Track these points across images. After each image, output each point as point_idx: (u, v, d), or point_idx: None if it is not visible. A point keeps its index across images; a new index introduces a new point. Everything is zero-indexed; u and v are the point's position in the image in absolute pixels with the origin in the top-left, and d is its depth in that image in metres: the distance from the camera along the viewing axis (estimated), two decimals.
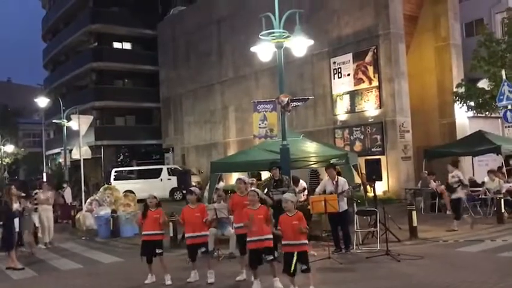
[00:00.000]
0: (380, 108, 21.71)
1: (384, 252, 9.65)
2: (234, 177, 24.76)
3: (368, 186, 13.51)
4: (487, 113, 19.75)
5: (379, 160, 12.70)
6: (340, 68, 23.38)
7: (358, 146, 22.36)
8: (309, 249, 7.52)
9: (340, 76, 23.38)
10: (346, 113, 23.16)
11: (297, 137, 14.14)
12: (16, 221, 10.77)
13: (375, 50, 21.82)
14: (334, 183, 10.41)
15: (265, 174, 13.37)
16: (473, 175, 19.30)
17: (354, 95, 22.80)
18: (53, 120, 32.25)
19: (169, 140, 36.55)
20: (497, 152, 16.43)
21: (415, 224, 11.45)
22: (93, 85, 40.94)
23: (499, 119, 20.49)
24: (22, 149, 51.46)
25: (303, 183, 13.24)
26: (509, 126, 15.83)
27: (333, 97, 23.70)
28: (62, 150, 29.25)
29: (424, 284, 7.79)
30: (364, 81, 22.35)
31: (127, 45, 42.15)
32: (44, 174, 39.65)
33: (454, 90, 20.47)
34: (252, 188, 8.75)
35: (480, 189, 15.44)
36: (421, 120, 22.30)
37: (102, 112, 40.01)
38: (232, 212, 8.78)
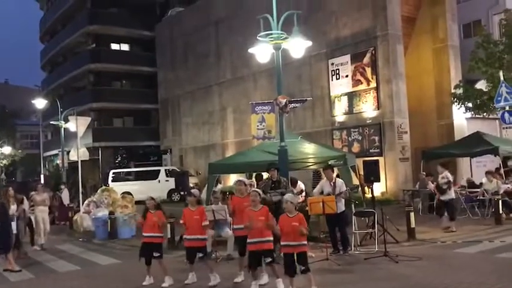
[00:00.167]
0: (378, 109, 21.73)
1: (382, 253, 9.64)
2: (232, 179, 24.83)
3: (366, 188, 13.50)
4: (484, 114, 19.78)
5: (377, 161, 12.72)
6: (338, 69, 23.40)
7: (356, 147, 22.37)
8: (308, 251, 7.51)
9: (338, 77, 23.40)
10: (344, 114, 23.17)
11: (295, 138, 14.12)
12: (13, 223, 10.73)
13: (373, 52, 21.84)
14: (332, 184, 10.41)
15: (266, 176, 13.36)
16: (471, 176, 19.30)
17: (352, 96, 22.81)
18: (51, 122, 32.23)
19: (167, 141, 36.53)
20: (495, 153, 16.46)
21: (413, 225, 11.44)
22: (91, 86, 40.87)
23: (497, 120, 20.53)
24: (19, 151, 51.29)
25: (300, 185, 13.22)
26: (507, 128, 15.86)
27: (331, 98, 23.70)
28: (59, 151, 29.20)
29: (422, 285, 7.78)
30: (362, 83, 22.37)
31: (125, 47, 42.09)
32: (42, 176, 39.58)
33: (452, 91, 20.51)
34: (253, 189, 8.72)
35: (478, 190, 15.45)
36: (419, 121, 22.32)
37: (100, 113, 39.94)
38: (233, 213, 8.77)
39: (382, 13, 21.63)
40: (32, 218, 13.35)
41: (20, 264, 10.80)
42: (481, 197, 15.00)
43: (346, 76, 23.00)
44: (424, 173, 17.10)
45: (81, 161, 19.41)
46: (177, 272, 8.91)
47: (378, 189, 18.90)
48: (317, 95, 23.98)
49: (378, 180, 11.92)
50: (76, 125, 19.10)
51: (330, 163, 11.58)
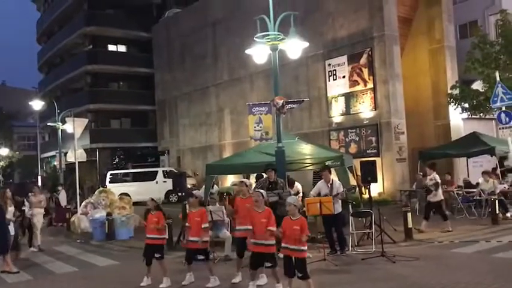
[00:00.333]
0: (375, 110, 21.78)
1: (379, 253, 9.67)
2: (229, 180, 24.85)
3: (363, 188, 13.52)
4: (481, 114, 19.83)
5: (374, 162, 12.71)
6: (335, 70, 23.45)
7: (353, 148, 22.41)
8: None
9: (335, 78, 23.44)
10: (341, 115, 23.22)
11: (292, 139, 14.13)
12: (11, 224, 10.72)
13: (370, 52, 21.90)
14: (329, 185, 10.44)
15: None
16: (468, 176, 19.41)
17: (348, 97, 22.86)
18: (48, 123, 32.09)
19: (165, 142, 36.52)
20: (492, 153, 16.52)
21: (410, 225, 11.48)
22: (88, 88, 40.85)
23: (493, 121, 20.58)
24: (17, 152, 51.24)
25: (298, 186, 13.25)
26: (503, 128, 15.86)
27: (328, 99, 23.75)
28: (56, 153, 29.23)
29: (419, 285, 7.80)
30: (359, 83, 22.42)
31: (122, 48, 42.04)
32: (39, 177, 39.50)
33: (449, 92, 20.54)
34: (256, 190, 8.72)
35: (475, 190, 15.51)
36: (416, 122, 22.38)
37: (97, 115, 39.90)
38: (236, 214, 8.77)
39: (378, 14, 21.69)
40: (34, 220, 13.34)
41: (18, 265, 10.79)
42: (478, 197, 15.06)
43: (343, 77, 23.05)
44: (421, 174, 17.10)
45: (79, 162, 19.41)
46: (176, 273, 8.92)
47: (375, 189, 18.93)
48: (314, 96, 24.02)
49: (375, 180, 11.94)
50: (73, 126, 19.11)
51: (327, 164, 11.62)
